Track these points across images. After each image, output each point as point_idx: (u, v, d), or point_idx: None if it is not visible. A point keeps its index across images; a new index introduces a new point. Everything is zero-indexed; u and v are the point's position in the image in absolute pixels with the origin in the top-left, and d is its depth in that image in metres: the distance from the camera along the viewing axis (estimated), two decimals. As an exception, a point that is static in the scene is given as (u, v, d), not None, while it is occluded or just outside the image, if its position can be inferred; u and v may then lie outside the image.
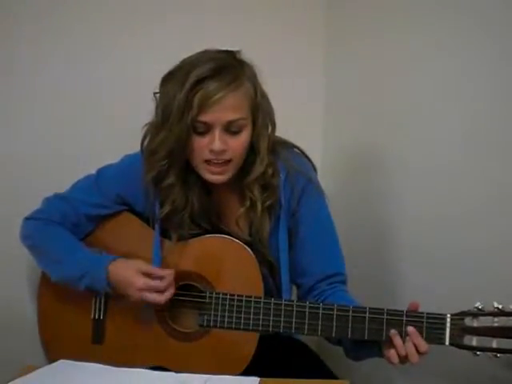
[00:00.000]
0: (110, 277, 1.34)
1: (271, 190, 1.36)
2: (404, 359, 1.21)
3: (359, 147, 1.79)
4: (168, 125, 1.28)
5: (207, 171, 1.32)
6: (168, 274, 1.33)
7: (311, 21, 1.93)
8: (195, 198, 1.37)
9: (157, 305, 1.35)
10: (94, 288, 1.38)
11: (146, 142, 1.37)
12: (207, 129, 1.28)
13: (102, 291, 1.39)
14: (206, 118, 1.26)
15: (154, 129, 1.33)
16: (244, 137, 1.31)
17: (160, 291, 1.33)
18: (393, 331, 1.21)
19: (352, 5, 1.84)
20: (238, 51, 1.33)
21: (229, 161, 1.31)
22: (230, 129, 1.29)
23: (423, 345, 1.19)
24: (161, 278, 1.33)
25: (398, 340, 1.21)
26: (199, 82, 1.24)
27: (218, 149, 1.27)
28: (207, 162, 1.31)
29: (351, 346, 1.32)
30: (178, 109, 1.25)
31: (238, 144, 1.30)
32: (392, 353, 1.21)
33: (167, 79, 1.31)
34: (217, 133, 1.27)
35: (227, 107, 1.26)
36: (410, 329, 1.20)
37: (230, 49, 1.32)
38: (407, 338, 1.20)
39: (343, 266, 1.41)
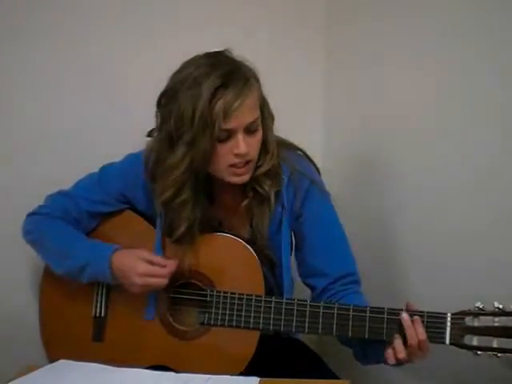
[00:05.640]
0: (112, 265, 1.34)
1: (277, 178, 1.37)
2: (402, 358, 1.21)
3: (360, 148, 1.80)
4: (187, 140, 1.26)
5: (232, 174, 1.31)
6: (170, 263, 1.33)
7: (311, 21, 1.93)
8: (200, 210, 1.36)
9: (158, 289, 1.35)
10: (97, 278, 1.38)
11: (152, 163, 1.35)
12: (229, 135, 1.27)
13: (105, 281, 1.39)
14: (229, 125, 1.25)
15: (166, 147, 1.30)
16: (260, 134, 1.32)
17: (161, 277, 1.33)
18: (396, 335, 1.21)
19: (352, 5, 1.85)
20: (227, 49, 1.32)
21: (250, 161, 1.32)
22: (250, 129, 1.29)
23: (422, 333, 1.20)
24: (163, 266, 1.33)
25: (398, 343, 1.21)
26: (215, 92, 1.23)
27: (243, 151, 1.28)
28: (232, 166, 1.30)
29: (359, 347, 1.32)
30: (199, 122, 1.24)
31: (255, 142, 1.31)
32: (389, 353, 1.22)
33: (171, 96, 1.28)
34: (240, 137, 1.27)
35: (246, 111, 1.26)
36: (416, 317, 1.21)
37: (216, 50, 1.31)
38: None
39: (354, 266, 1.40)
